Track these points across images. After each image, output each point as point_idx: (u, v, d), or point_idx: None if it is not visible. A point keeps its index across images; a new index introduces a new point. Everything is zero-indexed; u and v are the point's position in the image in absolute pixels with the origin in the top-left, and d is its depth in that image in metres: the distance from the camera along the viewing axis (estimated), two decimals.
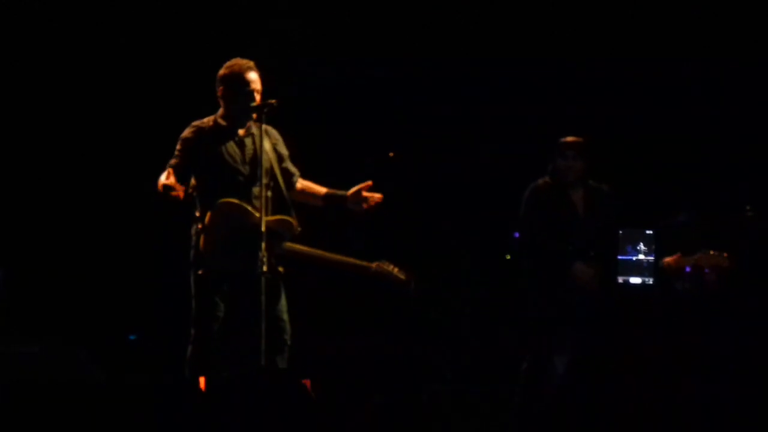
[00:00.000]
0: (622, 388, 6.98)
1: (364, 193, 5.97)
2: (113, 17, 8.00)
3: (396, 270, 6.01)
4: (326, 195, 6.06)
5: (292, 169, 6.07)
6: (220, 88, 5.88)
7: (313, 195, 6.07)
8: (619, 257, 6.92)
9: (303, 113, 6.11)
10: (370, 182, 5.98)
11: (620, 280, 6.89)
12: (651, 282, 6.86)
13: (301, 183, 6.09)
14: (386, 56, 8.19)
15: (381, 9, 8.19)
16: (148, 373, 6.77)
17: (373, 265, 6.00)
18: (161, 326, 7.60)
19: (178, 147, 5.85)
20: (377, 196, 5.97)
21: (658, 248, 6.88)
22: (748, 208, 6.75)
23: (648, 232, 6.88)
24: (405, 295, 6.11)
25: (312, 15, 8.22)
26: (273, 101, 5.73)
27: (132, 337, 7.81)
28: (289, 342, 5.89)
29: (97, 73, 8.03)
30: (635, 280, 6.88)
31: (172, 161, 5.80)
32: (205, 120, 5.91)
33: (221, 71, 5.88)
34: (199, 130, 5.86)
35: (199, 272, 5.75)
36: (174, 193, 5.54)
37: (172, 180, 5.57)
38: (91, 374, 5.97)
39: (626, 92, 8.14)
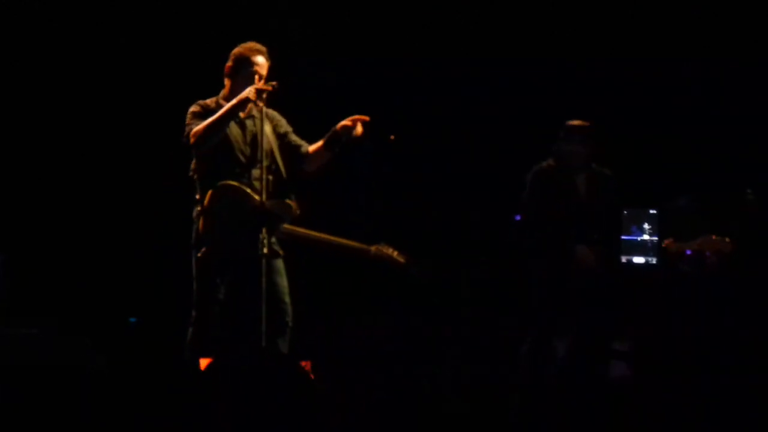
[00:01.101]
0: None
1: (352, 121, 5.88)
2: (113, 17, 8.01)
3: (395, 253, 6.02)
4: (325, 142, 5.95)
5: (299, 141, 6.04)
6: (228, 64, 5.93)
7: (319, 151, 5.99)
8: (624, 237, 6.91)
9: (300, 110, 6.12)
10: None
11: (624, 259, 6.88)
12: (654, 261, 6.84)
13: (309, 149, 6.03)
14: (379, 52, 8.22)
15: (376, 8, 8.21)
16: (148, 356, 6.79)
17: (372, 248, 6.01)
18: (162, 309, 7.61)
19: (188, 119, 5.86)
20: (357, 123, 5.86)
21: (661, 228, 6.87)
22: (748, 191, 6.74)
23: (652, 211, 6.85)
24: (406, 278, 6.11)
25: (310, 14, 8.24)
26: (274, 83, 5.75)
27: (132, 320, 7.81)
28: (290, 324, 5.89)
29: (95, 67, 8.04)
30: (638, 259, 6.86)
31: (189, 127, 5.81)
32: (208, 101, 5.94)
33: (235, 49, 5.93)
34: (205, 107, 5.89)
35: (199, 254, 5.75)
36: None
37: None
38: (91, 357, 5.98)
39: (627, 81, 8.14)
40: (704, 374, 6.66)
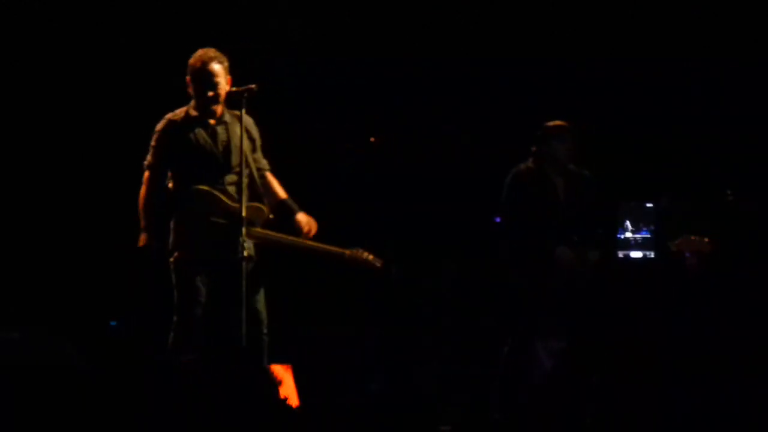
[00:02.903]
0: (612, 375, 6.98)
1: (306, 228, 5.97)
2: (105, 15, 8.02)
3: (371, 257, 6.02)
4: (282, 202, 6.04)
5: (262, 161, 6.06)
6: (187, 78, 5.91)
7: (272, 195, 6.05)
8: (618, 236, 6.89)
9: (284, 105, 6.13)
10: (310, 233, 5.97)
11: (620, 254, 6.87)
12: (652, 255, 6.83)
13: (268, 178, 6.07)
14: (365, 48, 8.22)
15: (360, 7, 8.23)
16: (129, 359, 6.78)
17: (347, 252, 6.01)
18: (142, 312, 7.60)
19: (152, 142, 5.91)
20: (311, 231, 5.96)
21: (659, 223, 6.86)
22: (728, 192, 6.76)
23: (648, 205, 6.84)
24: (385, 280, 6.11)
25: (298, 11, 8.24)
26: (252, 86, 5.75)
27: (113, 323, 7.80)
28: (266, 330, 5.88)
29: (83, 66, 8.03)
30: (636, 254, 6.85)
31: (148, 159, 5.89)
32: (178, 111, 5.95)
33: (190, 60, 5.90)
34: (171, 122, 5.91)
35: (171, 259, 5.77)
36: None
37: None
38: (71, 360, 5.97)
39: (608, 81, 8.15)
40: (687, 375, 6.68)
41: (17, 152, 7.92)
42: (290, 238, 5.97)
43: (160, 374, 5.45)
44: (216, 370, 5.33)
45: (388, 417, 6.68)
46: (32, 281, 7.80)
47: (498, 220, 6.82)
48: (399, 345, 7.69)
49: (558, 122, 6.70)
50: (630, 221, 6.97)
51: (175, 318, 5.83)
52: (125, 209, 7.84)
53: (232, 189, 5.81)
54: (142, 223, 5.85)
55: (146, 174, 5.89)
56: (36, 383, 5.57)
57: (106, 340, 7.63)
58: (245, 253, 5.65)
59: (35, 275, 7.83)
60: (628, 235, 6.95)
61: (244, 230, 5.65)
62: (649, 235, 7.02)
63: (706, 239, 6.58)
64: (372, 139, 5.94)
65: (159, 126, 5.91)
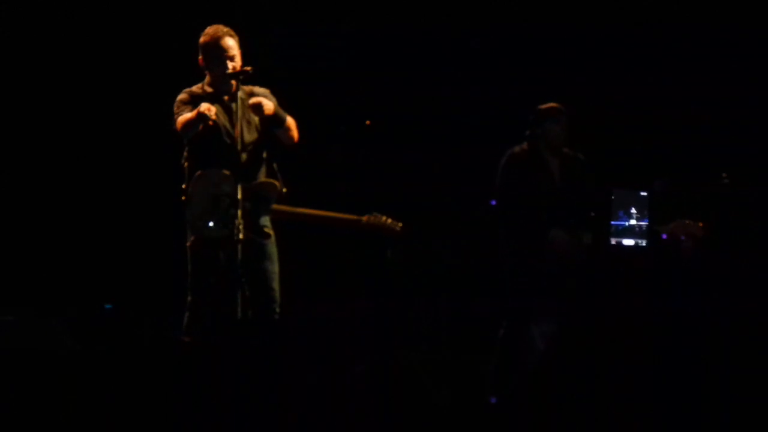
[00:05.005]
0: (606, 358, 6.98)
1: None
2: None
3: (389, 221, 6.02)
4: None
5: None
6: (200, 56, 5.90)
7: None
8: (611, 222, 6.90)
9: (278, 83, 6.12)
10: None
11: (613, 241, 6.87)
12: (644, 244, 6.84)
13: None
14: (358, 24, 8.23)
15: None
16: (124, 342, 6.79)
17: (364, 218, 6.02)
18: (138, 295, 7.60)
19: (176, 108, 5.85)
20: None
21: (651, 211, 6.87)
22: (723, 175, 6.78)
23: (643, 193, 6.85)
24: (379, 261, 6.13)
25: None
26: (248, 68, 5.75)
27: (108, 307, 7.79)
28: (278, 310, 5.88)
29: (79, 59, 8.02)
30: (628, 241, 6.86)
31: (177, 113, 5.81)
32: (194, 87, 5.94)
33: (201, 39, 5.89)
34: (192, 94, 5.89)
35: (188, 244, 5.76)
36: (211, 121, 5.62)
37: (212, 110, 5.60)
38: (65, 343, 5.97)
39: (601, 59, 8.16)
40: (678, 359, 6.70)
41: (11, 138, 7.92)
42: (305, 210, 5.97)
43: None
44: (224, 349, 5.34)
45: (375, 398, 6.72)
46: (27, 264, 7.80)
47: (493, 202, 6.82)
48: (392, 326, 7.70)
49: (551, 104, 6.72)
50: (635, 208, 6.97)
51: (189, 298, 5.84)
52: (120, 193, 7.90)
53: (245, 166, 5.78)
54: (193, 120, 5.69)
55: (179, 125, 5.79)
56: (29, 366, 5.58)
57: (101, 323, 7.63)
58: (240, 236, 5.63)
59: (30, 258, 7.83)
60: (633, 222, 6.94)
61: (239, 213, 5.63)
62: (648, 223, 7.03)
63: (700, 224, 6.61)
64: (367, 122, 5.92)
65: (181, 96, 5.87)
